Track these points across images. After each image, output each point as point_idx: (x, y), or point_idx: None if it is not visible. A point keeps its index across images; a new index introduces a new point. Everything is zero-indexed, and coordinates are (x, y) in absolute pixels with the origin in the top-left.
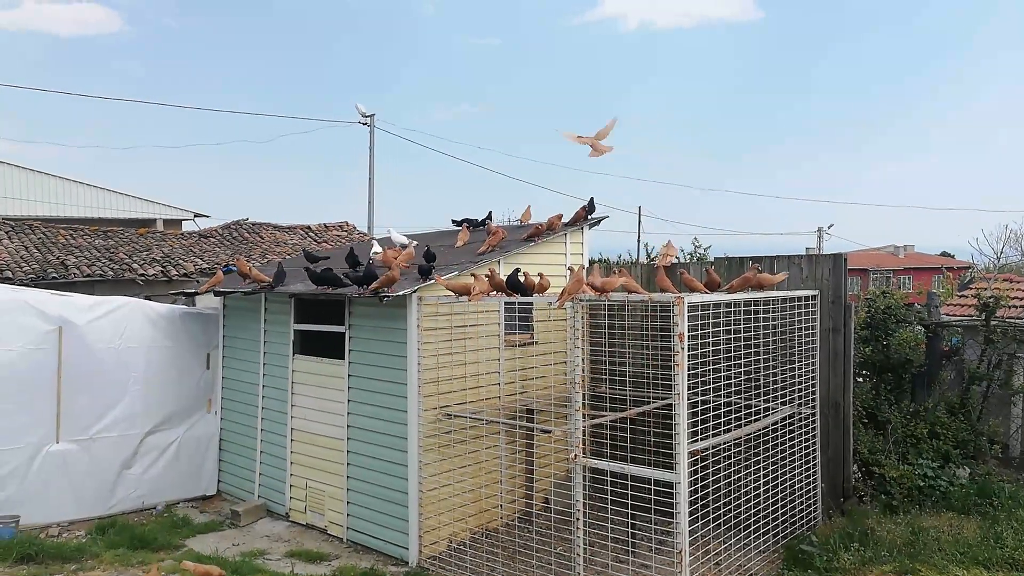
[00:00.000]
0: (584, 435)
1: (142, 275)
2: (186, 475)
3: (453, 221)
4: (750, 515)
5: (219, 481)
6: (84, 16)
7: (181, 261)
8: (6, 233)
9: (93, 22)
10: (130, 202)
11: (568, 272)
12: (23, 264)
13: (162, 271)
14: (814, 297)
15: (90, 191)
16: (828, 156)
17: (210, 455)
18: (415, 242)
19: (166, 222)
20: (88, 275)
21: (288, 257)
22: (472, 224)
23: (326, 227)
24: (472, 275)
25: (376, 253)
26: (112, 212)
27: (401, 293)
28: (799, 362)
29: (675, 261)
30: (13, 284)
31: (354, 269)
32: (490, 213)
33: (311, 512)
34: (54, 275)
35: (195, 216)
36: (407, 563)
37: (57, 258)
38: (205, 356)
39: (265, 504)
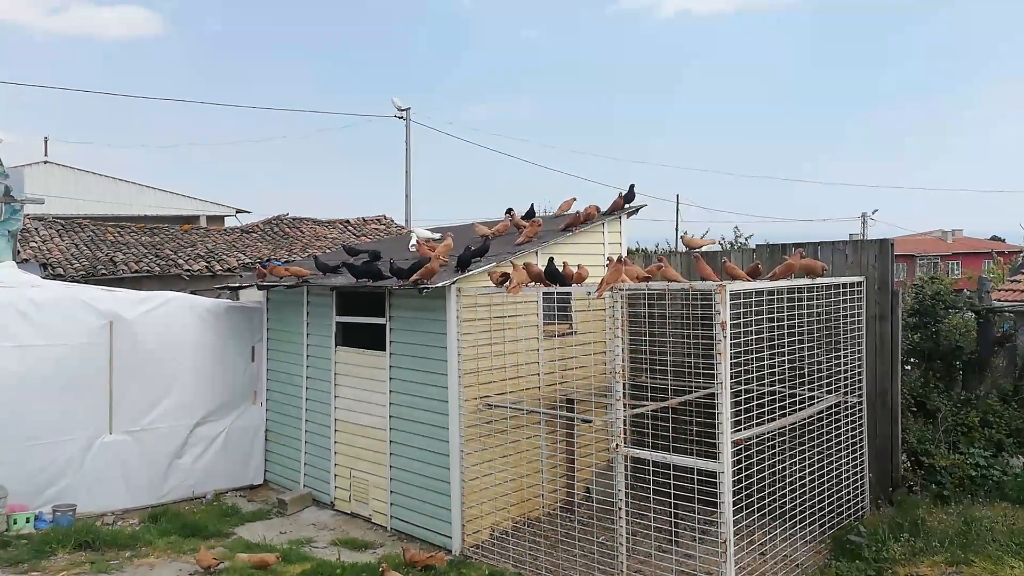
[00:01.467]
0: (625, 425)
1: (187, 270)
2: (234, 465)
3: (507, 212)
4: (795, 505)
5: (265, 471)
6: (127, 18)
7: (224, 256)
8: (57, 232)
9: (136, 24)
10: (174, 199)
11: (607, 262)
12: (74, 261)
13: (206, 266)
14: (860, 284)
15: (136, 189)
16: (871, 140)
17: (257, 445)
18: (451, 234)
19: (209, 218)
20: (136, 271)
21: (328, 251)
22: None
23: (364, 221)
24: (512, 264)
25: (413, 245)
26: (157, 210)
27: (440, 285)
28: (845, 350)
29: (713, 247)
30: (65, 280)
31: (356, 259)
32: (531, 206)
33: (355, 501)
34: (103, 271)
35: (237, 212)
36: (450, 551)
37: (106, 255)
38: (250, 349)
39: (311, 493)
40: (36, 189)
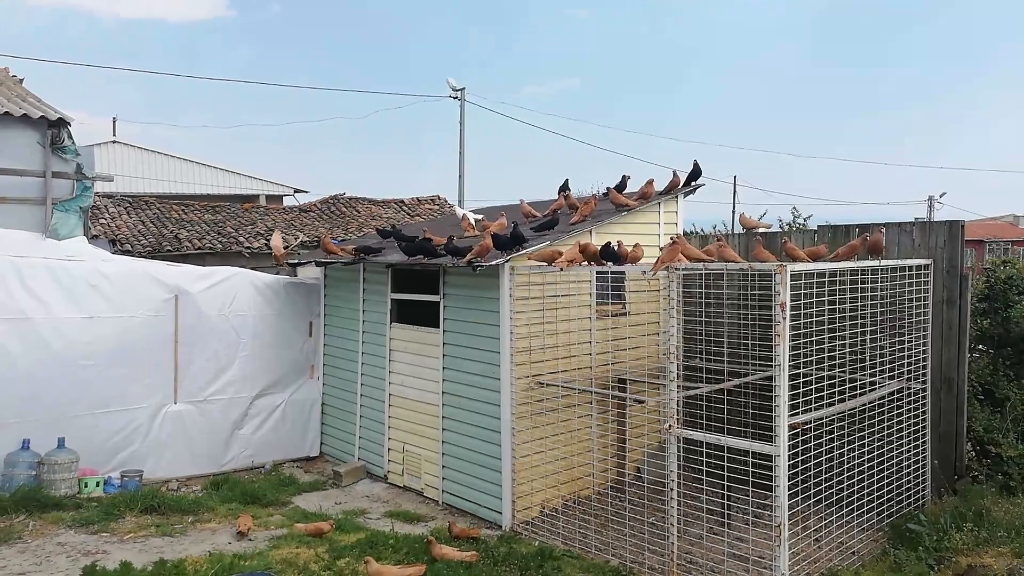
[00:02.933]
0: (678, 406)
1: (247, 248)
2: (291, 437)
3: (561, 190)
4: (852, 492)
5: (321, 443)
6: (192, 1)
7: (284, 234)
8: (125, 209)
9: (200, 7)
10: (235, 179)
11: (664, 242)
12: (141, 238)
13: (265, 244)
14: (927, 267)
15: (199, 169)
16: (939, 120)
17: (313, 418)
18: (503, 214)
19: (268, 197)
20: (199, 248)
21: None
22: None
23: (419, 201)
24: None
25: (458, 222)
26: (219, 189)
27: (494, 263)
28: (909, 335)
29: (767, 229)
30: (133, 256)
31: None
32: (624, 178)
33: (408, 475)
34: (168, 248)
35: (295, 192)
36: (500, 527)
37: (171, 232)
38: (308, 324)
39: (365, 466)
40: (105, 168)
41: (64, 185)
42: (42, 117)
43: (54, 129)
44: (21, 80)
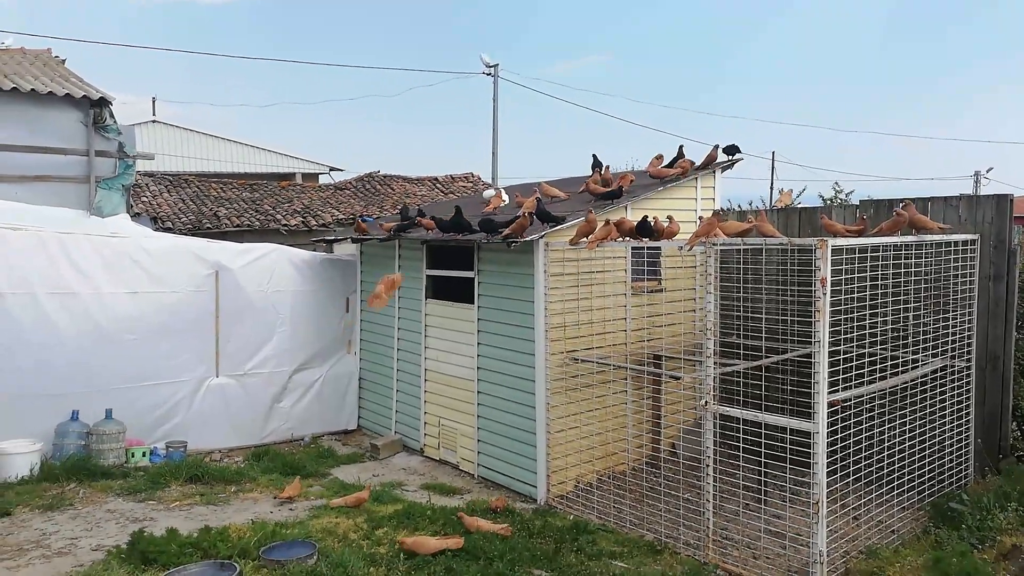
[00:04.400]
0: (714, 382)
1: (284, 225)
2: (329, 410)
3: (594, 156)
4: (893, 470)
5: (359, 417)
6: None
7: (319, 212)
8: (166, 187)
9: None
10: (272, 157)
11: (699, 218)
12: (181, 215)
13: (302, 221)
14: (973, 242)
15: (237, 147)
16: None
17: (351, 393)
18: (536, 190)
19: (304, 175)
20: (237, 225)
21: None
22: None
23: (452, 178)
24: (606, 220)
25: (485, 201)
26: (256, 167)
27: (528, 239)
28: (953, 312)
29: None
30: (174, 233)
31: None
32: (594, 156)
33: (444, 448)
34: (208, 225)
35: (330, 170)
36: (535, 500)
37: (210, 210)
38: (345, 300)
39: (401, 439)
40: (145, 147)
41: (106, 164)
42: (84, 97)
43: (96, 108)
44: (63, 61)
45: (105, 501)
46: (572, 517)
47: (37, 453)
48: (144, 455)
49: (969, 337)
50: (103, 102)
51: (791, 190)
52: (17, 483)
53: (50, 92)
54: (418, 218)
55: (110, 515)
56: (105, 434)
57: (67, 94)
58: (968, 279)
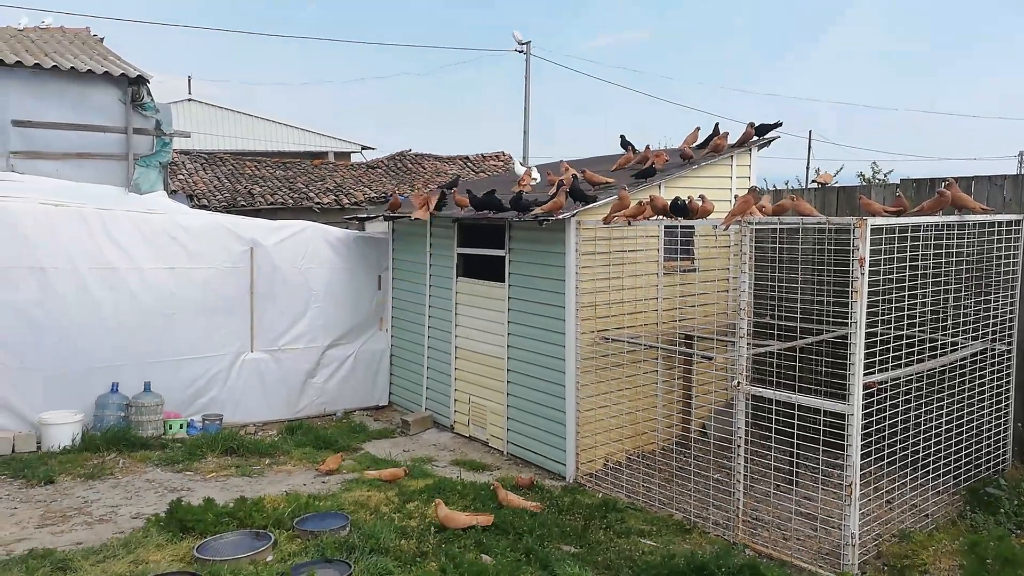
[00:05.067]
0: (748, 363)
1: (318, 203)
2: (361, 386)
3: (622, 138)
4: (928, 454)
5: (390, 393)
6: None
7: (352, 190)
8: (201, 165)
9: None
10: (305, 136)
11: (734, 197)
12: (216, 193)
13: (335, 200)
14: (1018, 222)
15: (270, 126)
16: None
17: (382, 369)
18: (571, 169)
19: (336, 154)
20: (271, 203)
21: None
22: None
23: (483, 157)
24: (639, 201)
25: (517, 177)
26: (290, 145)
27: (560, 217)
28: (995, 294)
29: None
30: (209, 211)
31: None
32: (622, 137)
33: (474, 425)
34: (243, 203)
35: (362, 149)
36: (564, 478)
37: (245, 188)
38: (377, 278)
39: (432, 416)
40: (181, 125)
41: (144, 141)
42: (122, 75)
43: (134, 86)
44: (101, 39)
45: (144, 471)
46: (601, 495)
47: (79, 424)
48: (181, 427)
49: (1011, 320)
50: (141, 80)
51: (828, 172)
52: (60, 452)
53: (89, 70)
54: (453, 191)
55: (149, 484)
56: (144, 406)
57: (106, 72)
58: (1012, 261)
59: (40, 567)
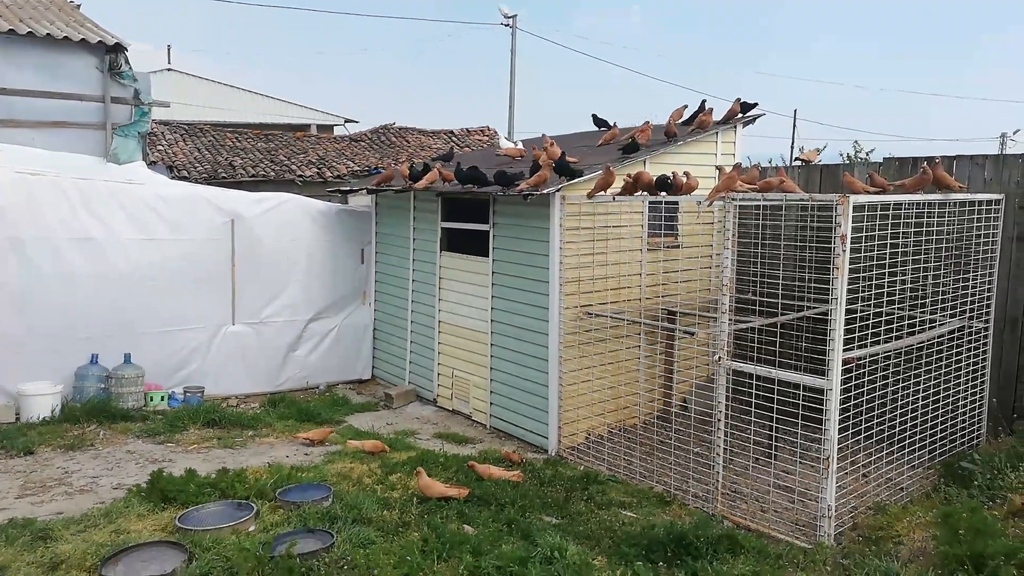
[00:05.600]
0: (729, 338)
1: (300, 176)
2: (344, 360)
3: (594, 116)
4: (904, 429)
5: (373, 367)
6: None
7: (335, 163)
8: (181, 136)
9: None
10: (287, 108)
11: (718, 173)
12: (197, 165)
13: (317, 173)
14: (998, 202)
15: (251, 97)
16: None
17: (365, 343)
18: (551, 142)
19: (319, 127)
20: (253, 175)
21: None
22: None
23: (468, 132)
24: (627, 175)
25: (500, 151)
26: (272, 117)
27: (545, 192)
28: (974, 272)
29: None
30: (189, 182)
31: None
32: (593, 116)
33: (457, 399)
34: (223, 175)
35: (345, 121)
36: (546, 451)
37: (226, 159)
38: (360, 251)
39: (415, 389)
40: (160, 96)
41: (122, 111)
42: (100, 42)
43: (111, 54)
44: (78, 6)
45: (125, 442)
46: (582, 468)
47: (58, 395)
48: (162, 399)
49: (988, 298)
50: (118, 48)
51: (814, 149)
52: (39, 424)
53: (65, 37)
54: (437, 163)
55: (130, 456)
56: (124, 378)
57: (83, 39)
58: (991, 240)
59: (20, 536)
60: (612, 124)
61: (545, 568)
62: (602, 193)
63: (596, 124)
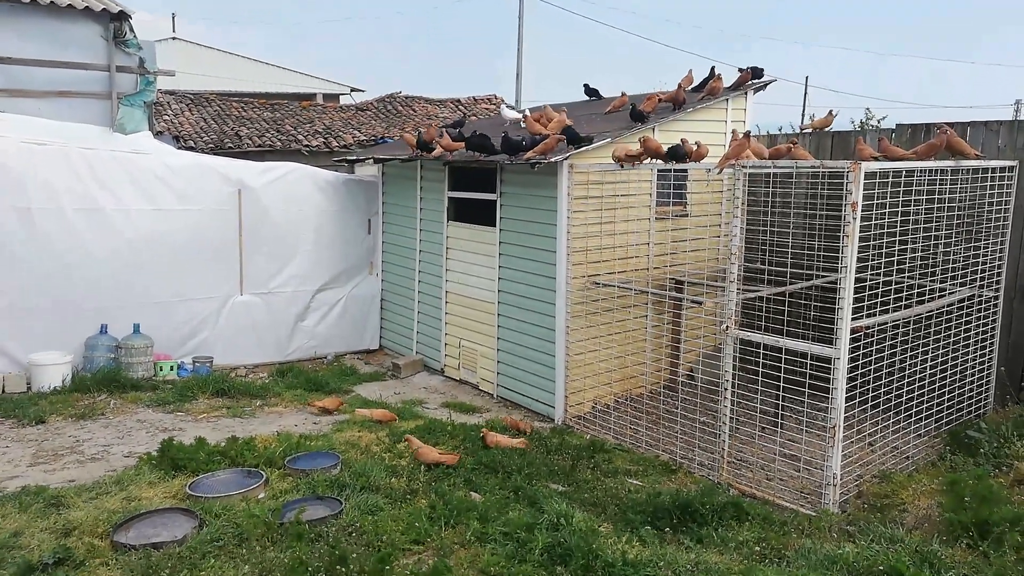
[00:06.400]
0: (737, 307)
1: (306, 146)
2: (352, 330)
3: (586, 86)
4: (912, 398)
5: (381, 337)
6: None
7: (341, 133)
8: (187, 106)
9: None
10: (293, 77)
11: (729, 139)
12: (203, 134)
13: (324, 142)
14: (1012, 168)
15: (257, 67)
16: None
17: (373, 313)
18: (564, 110)
19: (325, 96)
20: (259, 145)
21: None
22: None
23: (475, 100)
24: (641, 138)
25: (508, 122)
26: (278, 86)
27: (552, 160)
28: (985, 241)
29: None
30: (196, 152)
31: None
32: (585, 86)
33: (464, 369)
34: (230, 144)
35: (351, 90)
36: (553, 420)
37: (232, 129)
38: (367, 221)
39: (422, 360)
40: (165, 65)
41: (128, 80)
42: (104, 10)
43: (116, 22)
44: None
45: (135, 412)
46: (589, 437)
47: (68, 365)
48: (172, 369)
49: (1000, 267)
50: (123, 16)
51: (830, 115)
52: (50, 393)
53: (69, 4)
54: (444, 133)
55: (140, 424)
56: (133, 348)
57: (86, 7)
58: (1004, 208)
59: (34, 503)
60: (604, 95)
61: (551, 534)
62: (611, 161)
63: (587, 93)
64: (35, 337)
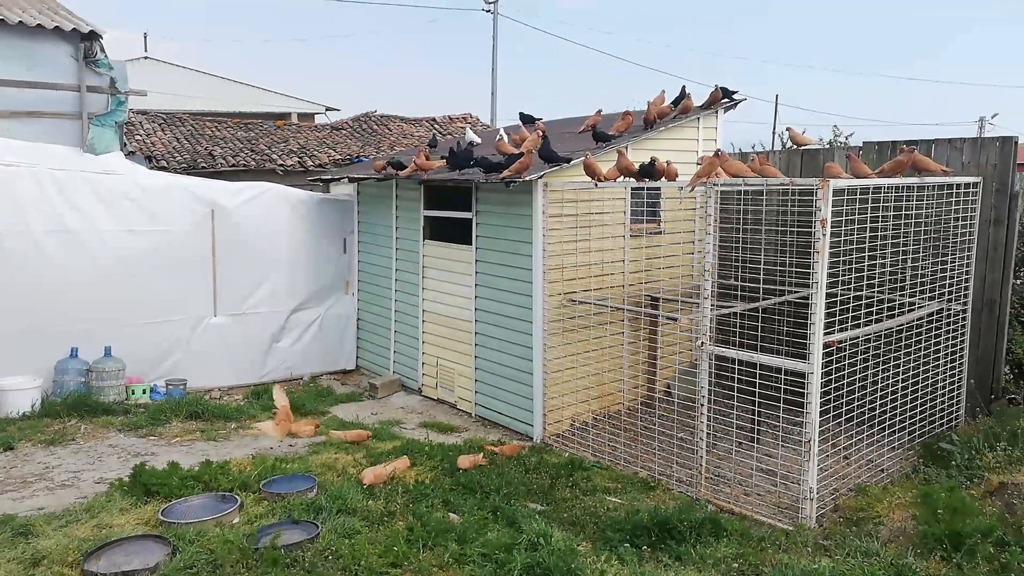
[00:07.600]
0: (712, 323)
1: (281, 165)
2: (328, 350)
3: (521, 114)
4: (885, 411)
5: (357, 357)
6: None
7: (316, 152)
8: (159, 126)
9: None
10: (267, 96)
11: (700, 159)
12: (176, 154)
13: (298, 162)
14: (975, 185)
15: (231, 86)
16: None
17: (349, 333)
18: (541, 129)
19: (300, 115)
20: (233, 164)
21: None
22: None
23: (451, 119)
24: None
25: (472, 142)
26: (252, 106)
27: (528, 179)
28: (952, 255)
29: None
30: (168, 172)
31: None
32: (520, 115)
33: (442, 388)
34: (203, 164)
35: (327, 109)
36: (531, 438)
37: (205, 149)
38: (342, 241)
39: (400, 379)
40: (137, 84)
41: (99, 100)
42: (74, 30)
43: (86, 42)
44: None
45: (106, 436)
46: (567, 455)
47: (38, 390)
48: (144, 392)
49: (967, 281)
50: (93, 35)
51: (807, 136)
52: (19, 419)
53: (39, 24)
54: (417, 154)
55: (112, 450)
56: (105, 371)
57: (56, 27)
58: (968, 223)
59: (1, 532)
60: (576, 113)
61: (530, 554)
62: (586, 179)
63: (522, 120)
64: (2, 361)
